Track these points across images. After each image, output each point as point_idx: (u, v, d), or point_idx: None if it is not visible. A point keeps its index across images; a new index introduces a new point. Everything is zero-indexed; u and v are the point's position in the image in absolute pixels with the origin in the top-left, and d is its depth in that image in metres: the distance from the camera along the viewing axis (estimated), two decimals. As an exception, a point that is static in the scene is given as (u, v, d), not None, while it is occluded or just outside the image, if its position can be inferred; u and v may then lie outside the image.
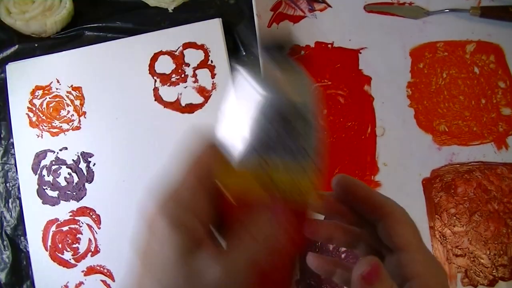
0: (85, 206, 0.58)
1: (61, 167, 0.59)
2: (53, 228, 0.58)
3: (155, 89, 0.60)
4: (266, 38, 0.28)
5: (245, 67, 0.29)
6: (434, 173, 0.56)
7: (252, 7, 0.57)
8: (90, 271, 0.57)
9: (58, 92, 0.61)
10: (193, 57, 0.60)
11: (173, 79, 0.60)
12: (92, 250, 0.57)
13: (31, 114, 0.61)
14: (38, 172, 0.59)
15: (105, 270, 0.57)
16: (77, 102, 0.60)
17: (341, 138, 0.58)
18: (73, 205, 0.58)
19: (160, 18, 0.62)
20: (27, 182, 0.59)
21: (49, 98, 0.61)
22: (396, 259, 0.30)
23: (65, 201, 0.59)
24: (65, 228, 0.58)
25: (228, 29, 0.60)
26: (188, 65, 0.60)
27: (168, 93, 0.59)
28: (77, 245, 0.58)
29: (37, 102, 0.61)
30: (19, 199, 0.59)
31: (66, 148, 0.60)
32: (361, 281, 0.26)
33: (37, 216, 0.59)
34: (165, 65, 0.60)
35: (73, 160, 0.59)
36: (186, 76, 0.59)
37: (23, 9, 0.61)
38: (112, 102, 0.60)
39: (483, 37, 0.59)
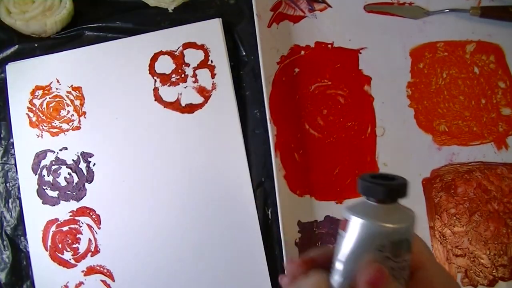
0: (85, 206, 0.58)
1: (61, 167, 0.59)
2: (53, 228, 0.58)
3: (155, 89, 0.60)
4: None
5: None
6: (434, 173, 0.56)
7: (252, 7, 0.57)
8: (90, 271, 0.57)
9: (58, 92, 0.61)
10: (193, 57, 0.60)
11: (173, 79, 0.60)
12: (92, 250, 0.57)
13: (31, 114, 0.61)
14: (38, 172, 0.59)
15: (105, 270, 0.57)
16: (77, 102, 0.60)
17: (341, 138, 0.58)
18: (73, 205, 0.58)
19: (160, 18, 0.62)
20: (27, 182, 0.59)
21: (49, 98, 0.61)
22: (414, 277, 0.30)
23: (65, 201, 0.59)
24: (65, 228, 0.58)
25: (228, 29, 0.60)
26: (188, 65, 0.60)
27: (168, 93, 0.59)
28: (77, 245, 0.58)
29: (37, 102, 0.61)
30: (19, 199, 0.59)
31: (66, 148, 0.60)
32: (367, 286, 0.27)
33: (37, 216, 0.59)
34: (165, 65, 0.60)
35: (73, 160, 0.59)
36: (186, 76, 0.59)
37: (23, 9, 0.61)
38: (112, 102, 0.60)
39: (483, 37, 0.59)
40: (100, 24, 0.62)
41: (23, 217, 0.59)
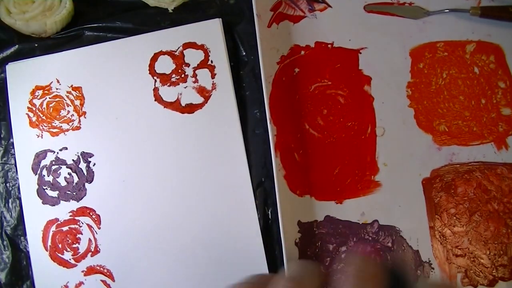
0: (85, 206, 0.58)
1: (61, 167, 0.59)
2: (53, 228, 0.58)
3: (155, 89, 0.60)
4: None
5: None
6: (434, 173, 0.56)
7: (252, 7, 0.57)
8: (90, 271, 0.57)
9: (58, 92, 0.61)
10: (193, 57, 0.60)
11: (173, 79, 0.60)
12: (92, 250, 0.58)
13: (31, 114, 0.61)
14: (38, 172, 0.59)
15: (105, 270, 0.57)
16: (77, 102, 0.60)
17: (341, 138, 0.58)
18: (73, 205, 0.58)
19: (160, 18, 0.62)
20: (27, 182, 0.59)
21: (49, 98, 0.61)
22: None
23: (65, 201, 0.59)
24: (65, 228, 0.58)
25: (228, 29, 0.60)
26: (188, 65, 0.60)
27: (168, 93, 0.59)
28: (77, 245, 0.58)
29: (37, 102, 0.61)
30: (19, 199, 0.59)
31: (66, 148, 0.60)
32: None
33: (37, 216, 0.59)
34: (165, 65, 0.60)
35: (73, 160, 0.59)
36: (186, 76, 0.59)
37: (23, 9, 0.61)
38: (112, 102, 0.60)
39: (483, 37, 0.59)
40: (100, 24, 0.62)
41: (23, 217, 0.59)
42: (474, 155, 0.57)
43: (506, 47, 0.58)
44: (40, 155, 0.60)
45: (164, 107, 0.59)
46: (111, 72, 0.60)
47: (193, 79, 0.59)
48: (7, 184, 0.60)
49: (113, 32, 0.62)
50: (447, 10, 0.59)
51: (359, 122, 0.58)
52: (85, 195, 0.58)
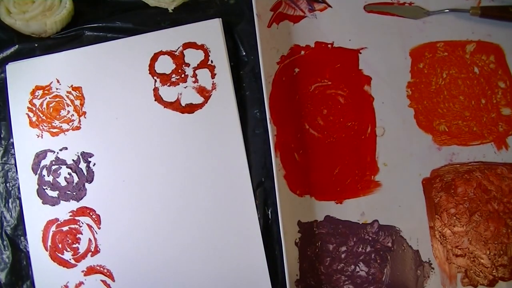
0: (85, 206, 0.58)
1: (61, 167, 0.59)
2: (53, 228, 0.58)
3: (155, 89, 0.60)
4: None
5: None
6: (434, 173, 0.56)
7: (252, 7, 0.57)
8: (90, 271, 0.57)
9: (58, 92, 0.61)
10: (193, 57, 0.60)
11: (173, 79, 0.60)
12: (92, 250, 0.58)
13: (31, 114, 0.61)
14: (38, 172, 0.59)
15: (105, 270, 0.57)
16: (77, 102, 0.60)
17: (341, 138, 0.58)
18: (73, 205, 0.58)
19: (160, 18, 0.62)
20: (27, 182, 0.59)
21: (49, 98, 0.61)
22: None
23: (65, 201, 0.59)
24: (65, 228, 0.58)
25: (228, 29, 0.60)
26: (188, 65, 0.60)
27: (168, 93, 0.59)
28: (77, 245, 0.58)
29: (37, 102, 0.61)
30: (19, 199, 0.59)
31: (66, 148, 0.60)
32: None
33: (37, 216, 0.59)
34: (165, 65, 0.60)
35: (73, 160, 0.59)
36: (186, 76, 0.59)
37: (23, 9, 0.61)
38: (112, 102, 0.60)
39: (483, 37, 0.59)
40: (100, 24, 0.62)
41: (23, 217, 0.59)
42: (474, 155, 0.57)
43: (506, 47, 0.58)
44: (40, 155, 0.60)
45: (164, 107, 0.59)
46: (111, 72, 0.60)
47: (193, 79, 0.59)
48: (7, 184, 0.60)
49: (113, 32, 0.62)
50: (447, 10, 0.59)
51: (359, 122, 0.58)
52: (85, 195, 0.58)
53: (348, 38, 0.60)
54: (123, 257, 0.57)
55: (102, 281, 0.57)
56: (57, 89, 0.61)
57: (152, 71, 0.60)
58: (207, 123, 0.58)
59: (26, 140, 0.60)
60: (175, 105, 0.59)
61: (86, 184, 0.59)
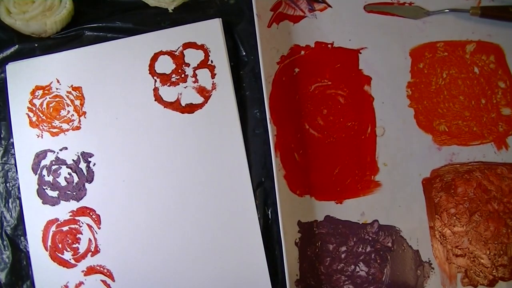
0: (85, 206, 0.58)
1: (61, 167, 0.59)
2: (53, 228, 0.58)
3: (155, 89, 0.60)
4: None
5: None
6: (434, 173, 0.56)
7: (252, 7, 0.57)
8: (90, 271, 0.57)
9: (58, 92, 0.61)
10: (193, 57, 0.60)
11: (173, 79, 0.60)
12: (92, 250, 0.58)
13: (31, 114, 0.61)
14: (38, 172, 0.59)
15: (105, 270, 0.57)
16: (77, 102, 0.60)
17: (341, 138, 0.58)
18: (73, 205, 0.58)
19: (160, 18, 0.62)
20: (27, 182, 0.59)
21: (49, 98, 0.61)
22: None
23: (65, 201, 0.59)
24: (65, 228, 0.58)
25: (228, 29, 0.60)
26: (188, 65, 0.60)
27: (168, 93, 0.59)
28: (77, 245, 0.58)
29: (37, 102, 0.61)
30: (19, 199, 0.59)
31: (66, 148, 0.60)
32: None
33: (37, 216, 0.59)
34: (165, 65, 0.60)
35: (73, 160, 0.59)
36: (186, 76, 0.59)
37: (23, 9, 0.61)
38: (112, 102, 0.60)
39: (483, 37, 0.59)
40: (100, 24, 0.62)
41: (23, 217, 0.59)
42: (474, 155, 0.57)
43: (506, 47, 0.58)
44: (40, 155, 0.60)
45: (164, 107, 0.59)
46: (111, 72, 0.60)
47: (193, 79, 0.59)
48: (7, 184, 0.60)
49: (113, 32, 0.62)
50: (447, 10, 0.59)
51: (359, 122, 0.58)
52: (85, 195, 0.58)
53: (348, 38, 0.60)
54: (123, 257, 0.57)
55: (102, 281, 0.57)
56: (57, 89, 0.61)
57: (152, 71, 0.60)
58: (207, 123, 0.58)
59: (26, 140, 0.60)
60: (175, 105, 0.59)
61: (86, 184, 0.59)
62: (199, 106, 0.59)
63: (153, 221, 0.57)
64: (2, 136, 0.61)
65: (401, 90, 0.59)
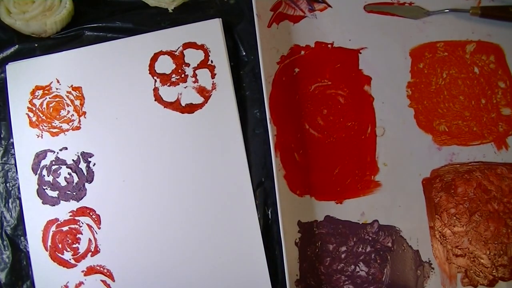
0: (85, 206, 0.58)
1: (61, 167, 0.59)
2: (53, 228, 0.58)
3: (155, 89, 0.60)
4: None
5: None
6: (434, 173, 0.56)
7: (252, 7, 0.57)
8: (90, 271, 0.57)
9: (58, 92, 0.61)
10: (193, 57, 0.60)
11: (173, 79, 0.60)
12: (92, 250, 0.57)
13: (31, 114, 0.61)
14: (38, 172, 0.59)
15: (105, 270, 0.57)
16: (77, 102, 0.60)
17: (341, 138, 0.58)
18: (73, 205, 0.58)
19: (160, 18, 0.62)
20: (27, 182, 0.59)
21: (49, 98, 0.61)
22: None
23: (65, 201, 0.59)
24: (65, 228, 0.58)
25: (228, 29, 0.60)
26: (188, 65, 0.60)
27: (168, 93, 0.59)
28: (77, 245, 0.58)
29: (37, 102, 0.61)
30: (19, 199, 0.59)
31: (66, 148, 0.60)
32: None
33: (37, 216, 0.59)
34: (165, 65, 0.60)
35: (73, 160, 0.59)
36: (186, 76, 0.60)
37: (23, 9, 0.61)
38: (112, 102, 0.60)
39: (483, 37, 0.59)
40: (100, 24, 0.62)
41: (23, 217, 0.59)
42: (474, 155, 0.57)
43: (506, 47, 0.58)
44: (40, 155, 0.60)
45: (164, 107, 0.59)
46: (111, 72, 0.60)
47: (193, 79, 0.59)
48: (7, 184, 0.60)
49: (113, 32, 0.62)
50: (447, 10, 0.59)
51: (359, 122, 0.58)
52: (85, 195, 0.58)
53: (348, 38, 0.60)
54: (123, 257, 0.57)
55: (102, 281, 0.57)
56: (57, 89, 0.61)
57: (152, 71, 0.60)
58: (207, 123, 0.58)
59: (26, 140, 0.60)
60: (175, 105, 0.59)
61: (86, 184, 0.59)
62: (199, 106, 0.59)
63: (153, 221, 0.57)
64: (2, 136, 0.61)
65: (401, 90, 0.59)
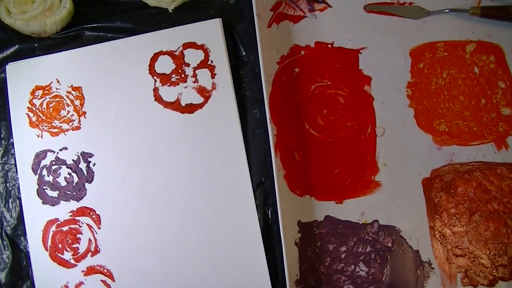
0: (85, 206, 0.58)
1: (61, 167, 0.59)
2: (53, 228, 0.58)
3: (155, 89, 0.60)
4: None
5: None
6: (434, 173, 0.56)
7: (252, 7, 0.57)
8: (90, 271, 0.57)
9: (58, 92, 0.61)
10: (193, 57, 0.60)
11: (173, 79, 0.60)
12: (92, 250, 0.58)
13: (31, 114, 0.61)
14: (38, 172, 0.59)
15: (105, 270, 0.57)
16: (77, 102, 0.60)
17: (341, 138, 0.58)
18: (73, 205, 0.58)
19: (160, 18, 0.62)
20: (27, 182, 0.59)
21: (49, 98, 0.61)
22: None
23: (65, 201, 0.59)
24: (65, 228, 0.58)
25: (228, 29, 0.60)
26: (188, 65, 0.60)
27: (168, 93, 0.59)
28: (77, 245, 0.58)
29: (37, 102, 0.61)
30: (19, 199, 0.59)
31: (66, 148, 0.60)
32: None
33: (37, 216, 0.59)
34: (165, 65, 0.60)
35: (73, 160, 0.59)
36: (186, 76, 0.60)
37: (23, 9, 0.61)
38: (112, 102, 0.60)
39: (483, 37, 0.59)
40: (100, 24, 0.62)
41: (23, 217, 0.59)
42: (474, 155, 0.57)
43: (506, 47, 0.58)
44: (40, 155, 0.60)
45: (164, 107, 0.59)
46: (111, 72, 0.60)
47: (193, 79, 0.59)
48: (7, 184, 0.60)
49: (113, 32, 0.62)
50: (447, 10, 0.59)
51: (359, 122, 0.58)
52: (85, 195, 0.58)
53: (348, 38, 0.60)
54: (123, 257, 0.57)
55: (102, 281, 0.57)
56: (57, 89, 0.61)
57: (152, 71, 0.60)
58: (207, 123, 0.58)
59: (26, 140, 0.60)
60: (175, 105, 0.59)
61: (86, 184, 0.59)
62: (199, 106, 0.59)
63: (153, 221, 0.57)
64: (2, 136, 0.61)
65: (401, 90, 0.59)
